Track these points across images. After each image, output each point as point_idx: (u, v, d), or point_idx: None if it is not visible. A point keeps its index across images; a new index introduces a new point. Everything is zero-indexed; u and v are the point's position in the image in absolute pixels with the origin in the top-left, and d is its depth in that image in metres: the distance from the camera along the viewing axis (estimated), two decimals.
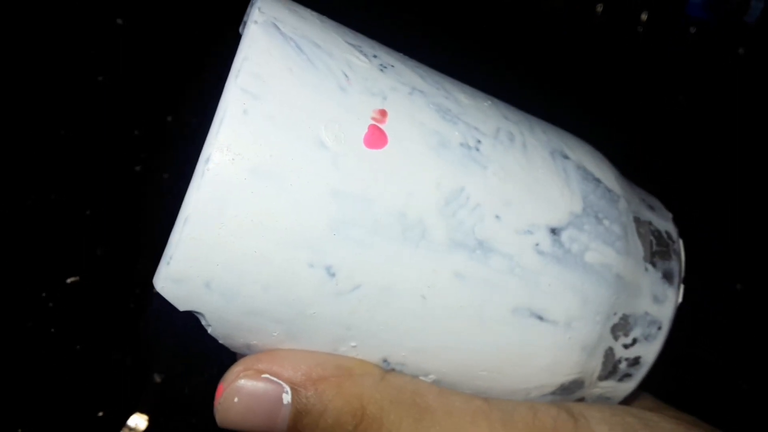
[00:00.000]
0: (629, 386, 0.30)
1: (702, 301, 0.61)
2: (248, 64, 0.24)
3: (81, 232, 0.58)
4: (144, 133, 0.64)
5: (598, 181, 0.29)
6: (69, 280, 0.55)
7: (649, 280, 0.29)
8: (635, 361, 0.29)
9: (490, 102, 0.29)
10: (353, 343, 0.26)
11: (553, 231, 0.27)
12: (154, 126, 0.65)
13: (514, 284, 0.26)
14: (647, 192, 0.32)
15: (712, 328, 0.62)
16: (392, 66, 0.27)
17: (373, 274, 0.25)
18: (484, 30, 0.72)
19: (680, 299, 0.30)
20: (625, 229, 0.29)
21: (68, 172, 0.60)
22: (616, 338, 0.29)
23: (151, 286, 0.24)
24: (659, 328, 0.29)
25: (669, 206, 0.33)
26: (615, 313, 0.28)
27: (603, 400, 0.30)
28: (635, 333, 0.29)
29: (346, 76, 0.25)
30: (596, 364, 0.29)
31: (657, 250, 0.30)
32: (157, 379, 0.52)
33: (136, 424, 0.51)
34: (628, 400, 0.31)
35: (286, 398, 0.26)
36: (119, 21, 0.69)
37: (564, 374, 0.28)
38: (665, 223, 0.31)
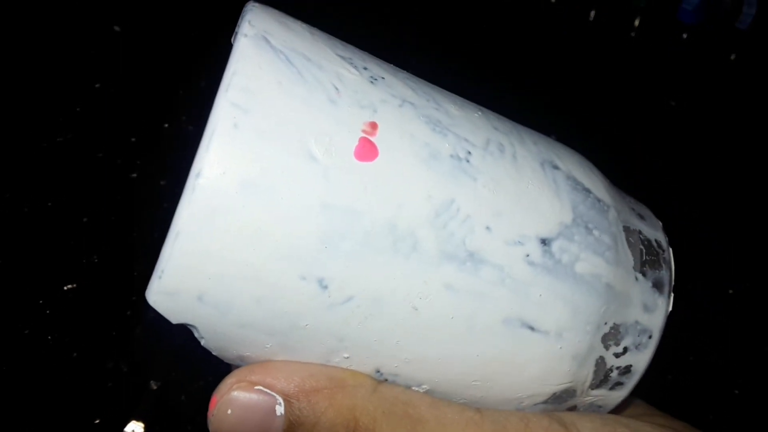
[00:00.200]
0: (621, 394, 0.30)
1: (701, 301, 0.61)
2: (238, 78, 0.24)
3: (78, 239, 0.58)
4: (140, 140, 0.64)
5: (587, 191, 0.29)
6: (66, 287, 0.55)
7: (640, 289, 0.29)
8: (626, 370, 0.30)
9: (480, 113, 0.29)
10: (346, 354, 0.26)
11: (544, 242, 0.27)
12: (150, 133, 0.65)
13: (505, 295, 0.26)
14: (637, 200, 0.33)
15: (710, 329, 0.62)
16: (383, 78, 0.27)
17: (364, 285, 0.25)
18: (474, 40, 0.72)
19: (670, 308, 0.30)
20: (615, 238, 0.29)
21: (65, 179, 0.60)
22: (607, 347, 0.29)
23: None
24: (650, 337, 0.29)
25: (667, 207, 0.33)
26: (606, 323, 0.28)
27: (595, 408, 0.30)
28: (626, 342, 0.29)
29: (336, 88, 0.25)
30: (587, 373, 0.29)
31: (647, 260, 0.30)
32: (154, 386, 0.52)
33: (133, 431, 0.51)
34: (620, 408, 0.31)
35: (279, 410, 0.26)
36: (116, 28, 0.69)
37: (555, 384, 0.28)
38: (655, 232, 0.31)
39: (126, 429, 0.51)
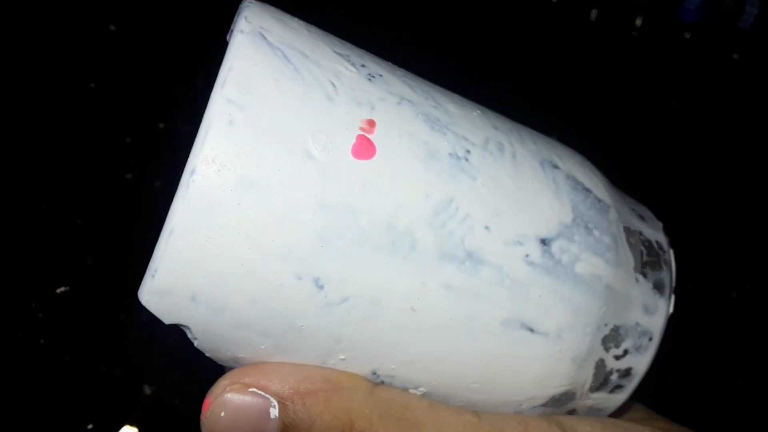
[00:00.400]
0: (621, 397, 0.30)
1: (702, 301, 0.61)
2: (234, 74, 0.24)
3: (71, 241, 0.57)
4: (135, 141, 0.63)
5: (588, 191, 0.29)
6: (59, 290, 0.55)
7: (640, 290, 0.29)
8: (626, 373, 0.29)
9: (479, 111, 0.29)
10: (342, 356, 0.26)
11: (543, 242, 0.27)
12: (145, 133, 0.64)
13: (504, 296, 0.26)
14: (637, 201, 0.32)
15: (711, 329, 0.62)
16: (381, 75, 0.27)
17: (361, 286, 0.25)
18: (474, 39, 0.72)
19: (671, 310, 0.30)
20: (615, 239, 0.28)
21: (59, 181, 0.60)
22: (607, 349, 0.28)
23: None
24: (650, 339, 0.29)
25: (667, 207, 0.33)
26: (606, 325, 0.28)
27: (594, 411, 0.30)
28: (626, 344, 0.29)
29: (334, 86, 0.25)
30: (587, 376, 0.28)
31: (647, 261, 0.29)
32: (148, 390, 0.52)
33: None
34: (620, 411, 0.31)
35: (274, 412, 0.26)
36: (112, 27, 0.69)
37: (555, 386, 0.28)
38: (656, 233, 0.31)
39: None
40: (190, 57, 0.66)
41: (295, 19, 0.28)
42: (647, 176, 0.67)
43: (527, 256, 0.26)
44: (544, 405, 0.28)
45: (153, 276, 0.23)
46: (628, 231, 0.29)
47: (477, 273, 0.26)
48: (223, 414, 0.26)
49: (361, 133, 0.25)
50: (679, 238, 0.33)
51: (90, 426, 0.50)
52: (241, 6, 0.27)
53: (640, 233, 0.30)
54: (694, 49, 0.70)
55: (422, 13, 0.72)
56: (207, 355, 0.26)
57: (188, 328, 0.25)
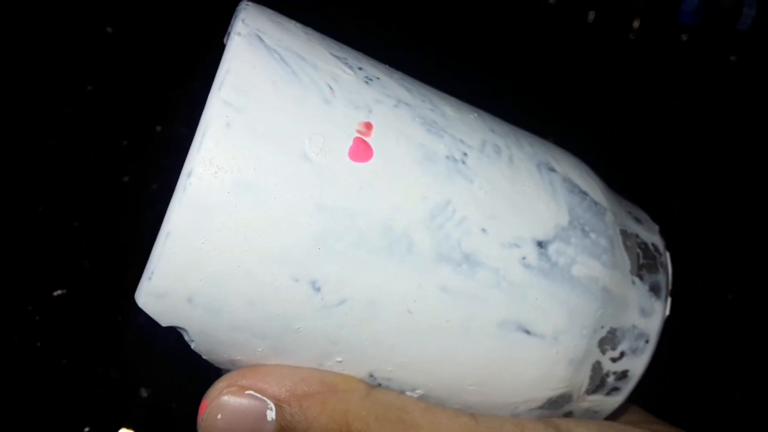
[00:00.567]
0: (617, 400, 0.30)
1: (701, 301, 0.61)
2: (231, 76, 0.24)
3: (68, 244, 0.57)
4: (132, 143, 0.63)
5: (584, 193, 0.29)
6: (56, 293, 0.55)
7: (636, 293, 0.29)
8: (623, 375, 0.29)
9: (476, 114, 0.29)
10: (339, 358, 0.26)
11: (540, 244, 0.27)
12: (142, 136, 0.64)
13: (501, 298, 0.26)
14: (634, 204, 0.32)
15: (710, 330, 0.62)
16: (378, 78, 0.27)
17: (358, 288, 0.25)
18: (471, 41, 0.72)
19: (668, 312, 0.30)
20: (612, 242, 0.28)
21: (56, 183, 0.60)
22: (603, 352, 0.28)
23: None
24: (647, 342, 0.29)
25: (667, 207, 0.33)
26: (602, 327, 0.28)
27: (591, 414, 0.30)
28: (623, 346, 0.29)
29: (331, 88, 0.25)
30: (584, 378, 0.28)
31: (644, 263, 0.30)
32: (144, 393, 0.52)
33: None
34: (617, 414, 0.31)
35: (270, 415, 0.26)
36: (109, 30, 0.69)
37: (551, 388, 0.28)
38: (652, 236, 0.31)
39: None
40: (186, 59, 0.66)
41: (293, 21, 0.28)
42: (646, 177, 0.67)
43: (524, 258, 0.26)
44: (541, 407, 0.28)
45: (150, 278, 0.23)
46: (624, 234, 0.29)
47: (474, 275, 0.26)
48: (219, 416, 0.26)
49: (358, 135, 0.25)
50: (679, 238, 0.33)
51: (87, 429, 0.50)
52: (238, 8, 0.27)
53: (637, 236, 0.30)
54: (692, 51, 0.70)
55: (419, 15, 0.72)
56: (204, 357, 0.26)
57: (185, 330, 0.25)
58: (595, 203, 0.29)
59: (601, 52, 0.72)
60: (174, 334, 0.25)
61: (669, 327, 0.30)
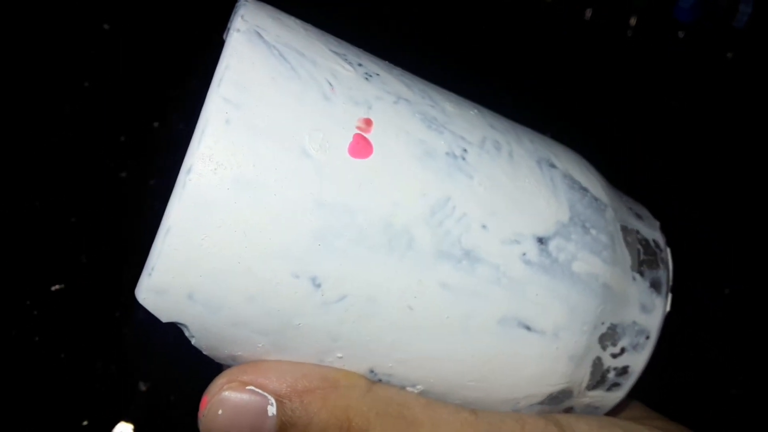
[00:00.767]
0: (618, 395, 0.30)
1: (701, 299, 0.61)
2: (230, 73, 0.24)
3: (66, 239, 0.57)
4: (130, 139, 0.63)
5: (585, 190, 0.29)
6: (53, 288, 0.55)
7: (637, 289, 0.29)
8: (623, 371, 0.29)
9: (476, 111, 0.29)
10: (339, 354, 0.26)
11: (540, 240, 0.27)
12: (140, 132, 0.64)
13: (501, 294, 0.26)
14: (635, 200, 0.32)
15: (710, 329, 0.62)
16: (377, 75, 0.27)
17: (358, 284, 0.25)
18: (470, 38, 0.72)
19: (668, 308, 0.30)
20: (612, 238, 0.28)
21: (53, 179, 0.60)
22: (604, 348, 0.28)
23: None
24: (647, 338, 0.29)
25: (667, 207, 0.33)
26: (602, 323, 0.28)
27: (592, 409, 0.30)
28: (623, 342, 0.29)
29: (331, 84, 0.25)
30: (584, 374, 0.28)
31: (644, 259, 0.30)
32: (143, 387, 0.52)
33: None
34: (617, 409, 0.31)
35: (271, 410, 0.26)
36: (106, 26, 0.69)
37: (552, 384, 0.28)
38: (653, 232, 0.31)
39: (115, 430, 0.51)
40: (185, 56, 0.66)
41: (292, 17, 0.28)
42: (647, 176, 0.68)
43: (524, 254, 0.26)
44: (542, 403, 0.28)
45: (150, 274, 0.23)
46: (625, 230, 0.29)
47: (474, 271, 0.26)
48: (220, 412, 0.26)
49: (358, 131, 0.25)
50: (679, 238, 0.33)
51: (85, 423, 0.50)
52: (238, 4, 0.27)
53: (637, 232, 0.30)
54: (688, 48, 0.70)
55: (418, 12, 0.72)
56: (204, 353, 0.26)
57: (185, 326, 0.25)
58: (596, 199, 0.29)
59: (598, 50, 0.72)
60: (174, 328, 0.25)
61: (669, 323, 0.30)
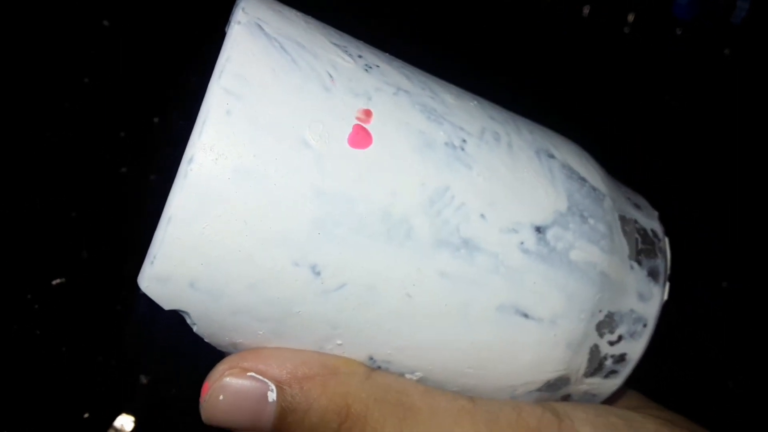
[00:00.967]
0: (615, 383, 0.30)
1: (701, 297, 0.61)
2: (231, 64, 0.24)
3: (67, 233, 0.57)
4: (130, 135, 0.63)
5: (583, 179, 0.29)
6: (54, 282, 0.55)
7: (635, 278, 0.29)
8: (621, 358, 0.29)
9: (476, 102, 0.29)
10: (339, 341, 0.26)
11: (538, 229, 0.27)
12: (140, 127, 0.64)
13: (499, 282, 0.26)
14: (633, 191, 0.33)
15: (709, 325, 0.62)
16: (377, 66, 0.27)
17: (358, 272, 0.25)
18: (470, 31, 0.72)
19: (666, 297, 0.30)
20: (610, 227, 0.29)
21: (54, 174, 0.60)
22: (601, 335, 0.29)
23: (137, 288, 0.24)
24: (645, 326, 0.29)
25: (667, 207, 0.33)
26: (600, 311, 0.28)
27: (589, 397, 0.30)
28: (621, 330, 0.29)
29: (331, 76, 0.25)
30: (582, 361, 0.29)
31: (642, 248, 0.30)
32: (144, 380, 0.52)
33: (123, 425, 0.51)
34: (614, 397, 0.31)
35: (271, 396, 0.26)
36: (105, 23, 0.69)
37: (550, 371, 0.28)
38: (651, 222, 0.31)
39: (115, 423, 0.51)
40: (185, 52, 0.66)
41: (293, 10, 0.28)
42: (646, 175, 0.68)
43: (522, 243, 0.27)
44: (539, 390, 0.29)
45: (152, 262, 0.24)
46: (623, 219, 0.30)
47: (472, 260, 0.26)
48: (221, 398, 0.26)
49: (358, 122, 0.25)
50: (679, 237, 0.33)
51: (86, 415, 0.51)
52: None
53: (636, 221, 0.30)
54: (686, 45, 0.71)
55: (419, 8, 0.72)
56: (206, 340, 0.26)
57: (187, 313, 0.25)
58: (594, 189, 0.29)
59: (595, 47, 0.72)
60: (174, 323, 0.25)
61: (667, 318, 0.30)
